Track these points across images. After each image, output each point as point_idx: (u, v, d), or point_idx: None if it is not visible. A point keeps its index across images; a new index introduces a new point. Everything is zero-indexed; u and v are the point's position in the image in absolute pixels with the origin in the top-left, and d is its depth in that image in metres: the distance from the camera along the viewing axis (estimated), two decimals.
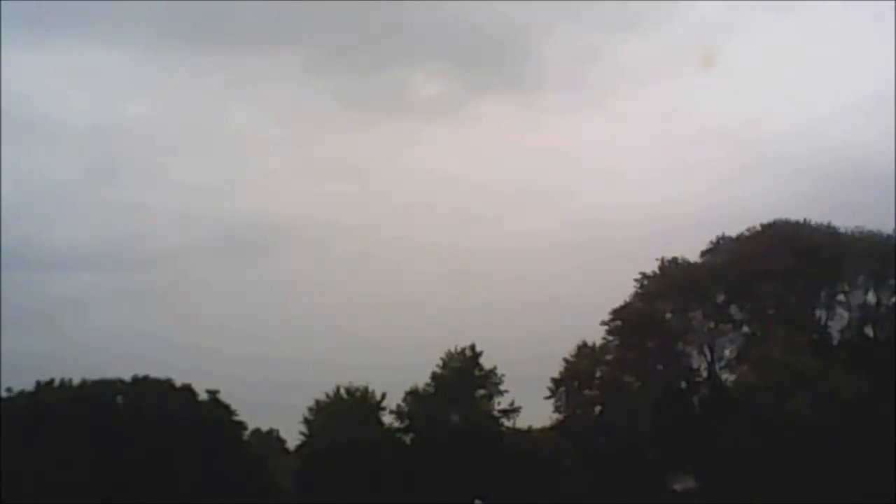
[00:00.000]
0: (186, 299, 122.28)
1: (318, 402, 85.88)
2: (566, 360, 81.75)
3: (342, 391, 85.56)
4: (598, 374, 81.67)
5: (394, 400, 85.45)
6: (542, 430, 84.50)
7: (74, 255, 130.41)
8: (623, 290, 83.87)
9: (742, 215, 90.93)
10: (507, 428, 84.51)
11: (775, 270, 79.80)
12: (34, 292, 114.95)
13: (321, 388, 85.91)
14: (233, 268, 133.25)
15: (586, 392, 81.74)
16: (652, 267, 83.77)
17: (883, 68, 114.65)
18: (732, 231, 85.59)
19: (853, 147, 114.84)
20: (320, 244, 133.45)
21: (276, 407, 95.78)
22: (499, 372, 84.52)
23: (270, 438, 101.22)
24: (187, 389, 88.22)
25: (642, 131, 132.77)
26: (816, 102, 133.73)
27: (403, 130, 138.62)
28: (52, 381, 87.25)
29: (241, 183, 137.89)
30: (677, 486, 76.39)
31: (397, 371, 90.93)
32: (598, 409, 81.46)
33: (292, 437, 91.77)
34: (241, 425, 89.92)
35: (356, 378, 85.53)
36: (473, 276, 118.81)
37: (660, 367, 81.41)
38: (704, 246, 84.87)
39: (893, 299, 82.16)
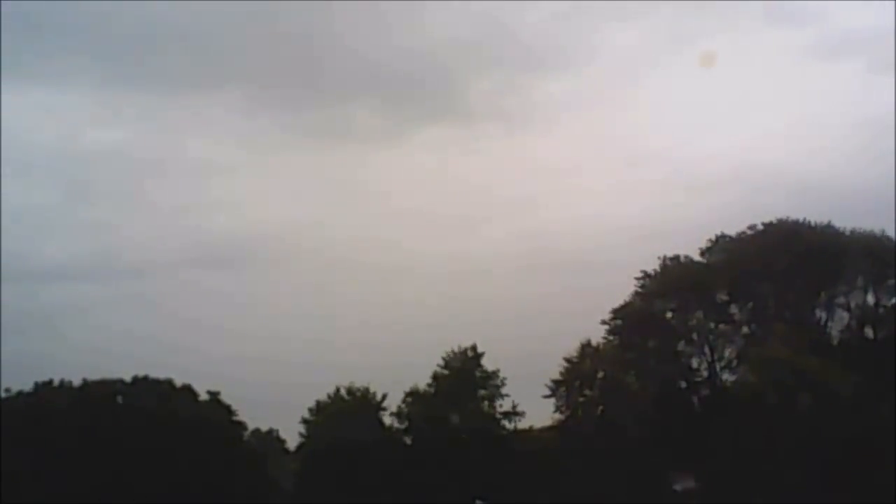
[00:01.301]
0: (184, 303, 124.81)
1: (318, 403, 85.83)
2: (567, 360, 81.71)
3: (343, 392, 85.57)
4: (599, 375, 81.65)
5: (394, 400, 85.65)
6: (543, 430, 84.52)
7: (62, 267, 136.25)
8: (622, 290, 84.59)
9: (680, 229, 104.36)
10: (508, 429, 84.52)
11: (775, 270, 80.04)
12: (30, 300, 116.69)
13: (322, 389, 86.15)
14: (230, 275, 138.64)
15: (587, 392, 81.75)
16: (597, 273, 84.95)
17: (805, 97, 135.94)
18: (732, 230, 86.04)
19: (779, 165, 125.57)
20: (314, 252, 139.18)
21: (276, 407, 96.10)
22: (501, 374, 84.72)
23: (270, 438, 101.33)
24: (187, 389, 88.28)
25: (573, 156, 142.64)
26: (742, 127, 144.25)
27: (353, 156, 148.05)
28: (51, 381, 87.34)
29: (211, 202, 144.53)
30: (677, 486, 76.29)
31: (398, 371, 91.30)
32: (598, 409, 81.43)
33: (292, 437, 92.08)
34: (241, 425, 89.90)
35: (357, 378, 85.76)
36: (453, 278, 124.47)
37: (660, 367, 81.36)
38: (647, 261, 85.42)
39: (892, 300, 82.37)
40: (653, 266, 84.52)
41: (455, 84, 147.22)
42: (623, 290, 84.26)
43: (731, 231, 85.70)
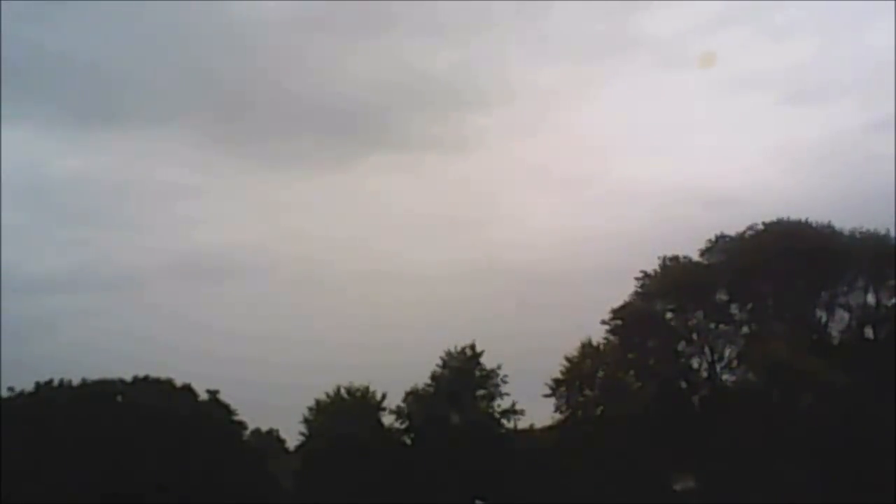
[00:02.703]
0: (181, 309, 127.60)
1: (318, 402, 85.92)
2: (568, 360, 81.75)
3: (342, 391, 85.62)
4: (599, 374, 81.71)
5: (394, 400, 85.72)
6: (543, 430, 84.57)
7: (47, 279, 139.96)
8: (622, 290, 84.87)
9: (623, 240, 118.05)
10: (508, 428, 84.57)
11: (775, 270, 79.93)
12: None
13: (321, 389, 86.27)
14: (222, 283, 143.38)
15: (587, 392, 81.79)
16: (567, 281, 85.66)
17: (721, 125, 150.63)
18: (732, 230, 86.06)
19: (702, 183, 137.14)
20: (296, 262, 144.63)
21: (276, 407, 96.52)
22: (501, 373, 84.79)
23: (270, 438, 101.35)
24: (187, 389, 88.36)
25: (510, 178, 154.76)
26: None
27: (304, 180, 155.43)
28: (51, 380, 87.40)
29: (185, 221, 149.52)
30: (677, 486, 76.25)
31: (398, 371, 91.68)
32: (598, 409, 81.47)
33: (292, 437, 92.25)
34: (241, 425, 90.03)
35: (356, 378, 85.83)
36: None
37: (660, 367, 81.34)
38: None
39: (893, 300, 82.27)
40: (617, 272, 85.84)
41: (394, 118, 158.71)
42: (576, 295, 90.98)
43: (731, 232, 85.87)
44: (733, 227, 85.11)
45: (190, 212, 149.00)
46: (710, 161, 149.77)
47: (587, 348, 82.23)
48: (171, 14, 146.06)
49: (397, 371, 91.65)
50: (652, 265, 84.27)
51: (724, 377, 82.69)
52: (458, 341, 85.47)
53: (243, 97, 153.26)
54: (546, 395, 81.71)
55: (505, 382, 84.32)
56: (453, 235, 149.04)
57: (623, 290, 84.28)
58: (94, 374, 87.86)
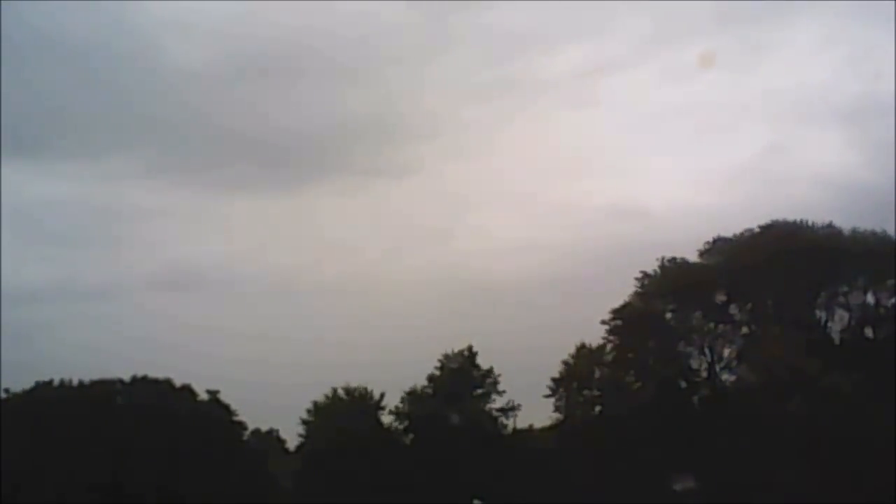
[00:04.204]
0: (181, 312, 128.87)
1: (316, 403, 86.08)
2: (565, 362, 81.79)
3: (340, 392, 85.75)
4: (597, 374, 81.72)
5: (393, 400, 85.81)
6: (542, 429, 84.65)
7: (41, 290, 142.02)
8: (623, 290, 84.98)
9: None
10: (507, 428, 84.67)
11: (775, 270, 79.86)
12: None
13: (321, 389, 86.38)
14: (227, 282, 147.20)
15: (586, 392, 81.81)
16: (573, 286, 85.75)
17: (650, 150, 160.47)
18: (731, 231, 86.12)
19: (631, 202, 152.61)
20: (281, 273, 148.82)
21: (276, 407, 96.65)
22: (496, 372, 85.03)
23: (270, 438, 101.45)
24: (187, 389, 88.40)
25: (461, 201, 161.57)
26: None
27: (263, 201, 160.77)
28: (51, 380, 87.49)
29: (166, 238, 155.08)
30: (677, 486, 76.25)
31: (397, 371, 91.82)
32: (598, 409, 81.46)
33: (292, 437, 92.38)
34: (241, 425, 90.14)
35: (355, 378, 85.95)
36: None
37: (659, 367, 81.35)
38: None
39: (892, 300, 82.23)
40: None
41: (335, 150, 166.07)
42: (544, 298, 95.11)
43: (728, 232, 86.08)
44: (658, 239, 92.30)
45: (162, 229, 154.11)
46: (636, 183, 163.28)
47: (582, 350, 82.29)
48: (125, 62, 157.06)
49: (393, 371, 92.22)
50: (592, 273, 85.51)
51: (724, 377, 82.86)
52: (441, 343, 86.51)
53: (193, 132, 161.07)
54: (546, 396, 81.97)
55: (499, 382, 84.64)
56: (418, 248, 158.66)
57: (593, 293, 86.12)
58: (93, 376, 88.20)
